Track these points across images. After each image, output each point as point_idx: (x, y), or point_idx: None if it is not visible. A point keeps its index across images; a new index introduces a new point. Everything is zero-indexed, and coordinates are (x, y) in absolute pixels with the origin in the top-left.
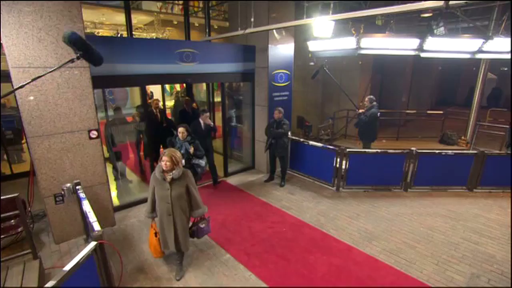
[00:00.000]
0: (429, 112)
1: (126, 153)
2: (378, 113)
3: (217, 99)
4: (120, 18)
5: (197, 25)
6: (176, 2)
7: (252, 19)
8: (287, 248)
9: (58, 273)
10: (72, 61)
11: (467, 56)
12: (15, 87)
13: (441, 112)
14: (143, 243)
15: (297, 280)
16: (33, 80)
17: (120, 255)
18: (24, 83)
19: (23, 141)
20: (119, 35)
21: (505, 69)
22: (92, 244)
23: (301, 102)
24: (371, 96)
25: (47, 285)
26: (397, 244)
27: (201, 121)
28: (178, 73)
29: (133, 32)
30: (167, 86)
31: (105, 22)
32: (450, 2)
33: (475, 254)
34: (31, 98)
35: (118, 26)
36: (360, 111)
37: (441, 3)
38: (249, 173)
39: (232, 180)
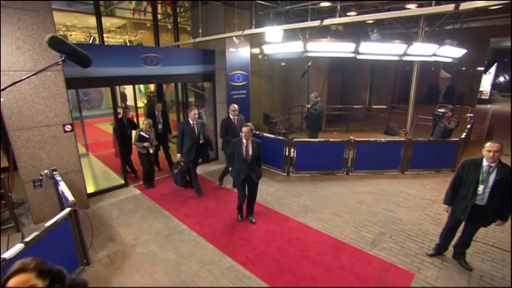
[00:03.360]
0: (374, 107)
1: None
2: None
3: (190, 99)
4: (93, 20)
5: (170, 27)
6: (148, 3)
7: (200, 30)
8: (235, 220)
9: (40, 228)
10: (57, 64)
11: (396, 58)
12: None
13: (385, 107)
14: (113, 220)
15: (238, 242)
16: (27, 78)
17: (91, 221)
18: (16, 81)
19: None
20: (91, 38)
21: (463, 68)
22: (67, 209)
23: (267, 100)
24: (316, 93)
25: (32, 234)
26: (328, 215)
27: (244, 140)
28: (144, 74)
29: (107, 35)
30: (141, 87)
31: (78, 25)
32: (325, 21)
33: (387, 219)
34: (2, 99)
35: (91, 29)
36: (307, 106)
37: (317, 23)
38: (212, 163)
39: (197, 170)
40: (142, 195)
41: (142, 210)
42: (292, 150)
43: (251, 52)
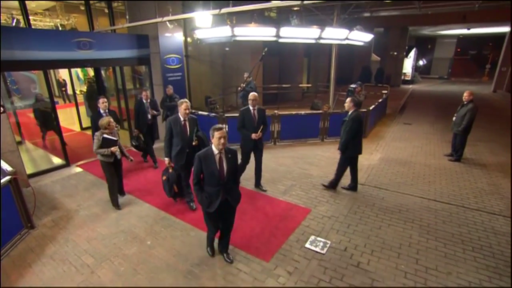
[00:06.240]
0: (300, 85)
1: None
2: None
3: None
4: (14, 1)
5: (107, 11)
6: None
7: (127, 16)
8: None
9: None
10: None
11: (313, 41)
12: None
13: (310, 85)
14: (56, 193)
15: (172, 200)
16: None
17: (34, 193)
18: None
19: None
20: (14, 21)
21: (395, 53)
22: (8, 177)
23: (208, 84)
24: (247, 73)
25: None
26: (252, 175)
27: (216, 151)
28: (77, 59)
29: (33, 17)
30: (80, 74)
31: None
32: (223, 10)
33: (300, 175)
34: None
35: (12, 10)
36: (242, 85)
37: (217, 11)
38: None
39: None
40: (85, 172)
41: (84, 183)
42: (224, 125)
43: (194, 38)
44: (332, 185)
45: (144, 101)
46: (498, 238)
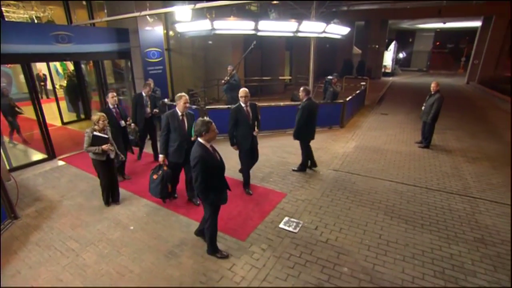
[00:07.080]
0: (280, 78)
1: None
2: None
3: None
4: None
5: (85, 3)
6: None
7: (105, 10)
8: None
9: None
10: None
11: (290, 34)
12: None
13: (290, 77)
14: (38, 186)
15: None
16: None
17: (15, 181)
18: None
19: None
20: None
21: (376, 46)
22: None
23: (190, 77)
24: (231, 66)
25: None
26: (232, 164)
27: (209, 146)
28: (56, 52)
29: (6, 9)
30: (59, 68)
31: None
32: (198, 5)
33: (279, 163)
34: None
35: None
36: (226, 78)
37: (192, 6)
38: None
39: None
40: (68, 165)
41: (67, 175)
42: (205, 117)
43: (175, 31)
44: (301, 169)
45: (144, 94)
46: (452, 213)
